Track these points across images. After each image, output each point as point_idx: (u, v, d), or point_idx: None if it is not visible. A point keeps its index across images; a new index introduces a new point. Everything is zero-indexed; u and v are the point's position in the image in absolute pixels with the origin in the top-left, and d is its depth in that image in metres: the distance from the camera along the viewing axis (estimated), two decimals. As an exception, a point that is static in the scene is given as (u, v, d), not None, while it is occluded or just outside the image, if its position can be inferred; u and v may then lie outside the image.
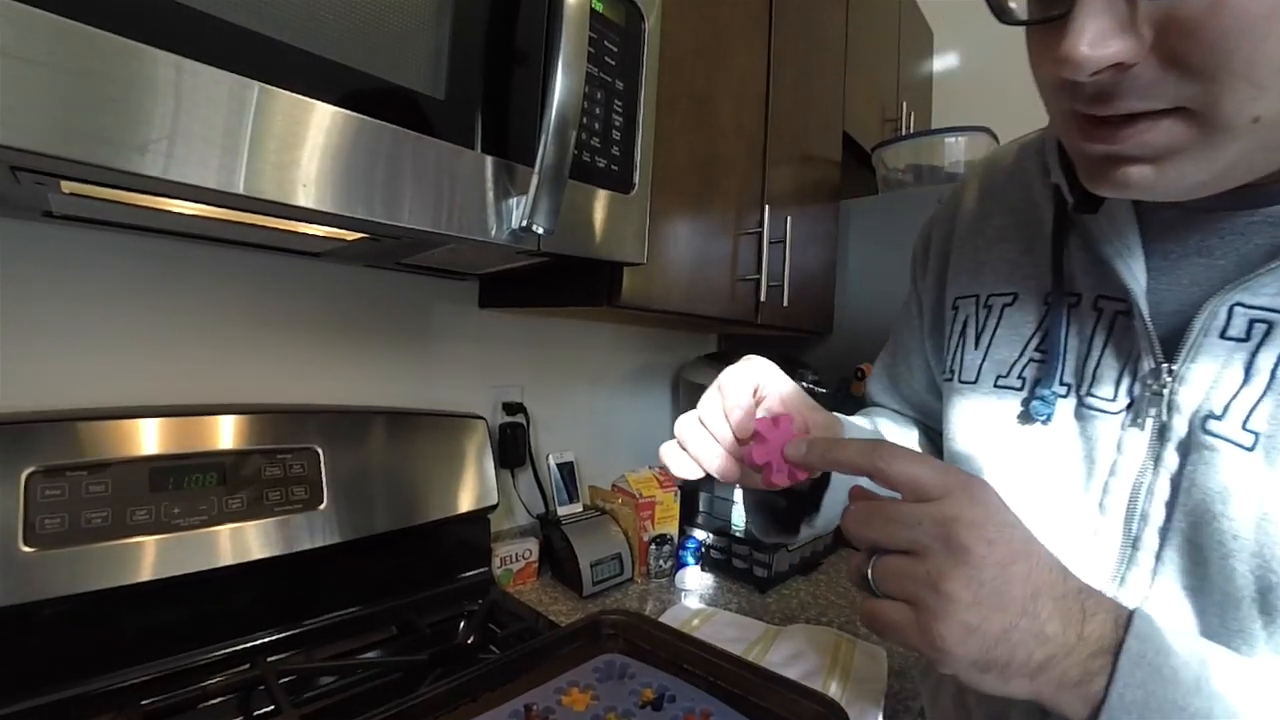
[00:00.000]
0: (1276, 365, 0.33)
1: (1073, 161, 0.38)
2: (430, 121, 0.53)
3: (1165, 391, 0.37)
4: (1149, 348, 0.38)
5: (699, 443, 0.43)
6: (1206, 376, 0.36)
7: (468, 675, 0.58)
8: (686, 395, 1.35)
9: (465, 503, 0.91)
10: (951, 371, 0.51)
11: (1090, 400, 0.41)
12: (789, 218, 1.09)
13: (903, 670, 0.82)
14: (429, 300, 0.99)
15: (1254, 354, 0.34)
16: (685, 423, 0.44)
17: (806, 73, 1.21)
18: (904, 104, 1.69)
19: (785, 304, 1.08)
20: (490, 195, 0.57)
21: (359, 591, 0.82)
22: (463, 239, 0.57)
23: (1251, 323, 0.34)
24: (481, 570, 0.96)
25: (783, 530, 0.52)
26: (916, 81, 1.85)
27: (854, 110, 1.41)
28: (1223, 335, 0.35)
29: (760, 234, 1.04)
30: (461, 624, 0.82)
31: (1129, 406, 0.39)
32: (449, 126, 0.55)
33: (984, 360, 0.48)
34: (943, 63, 2.01)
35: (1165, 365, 0.37)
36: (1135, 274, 0.39)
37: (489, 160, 0.57)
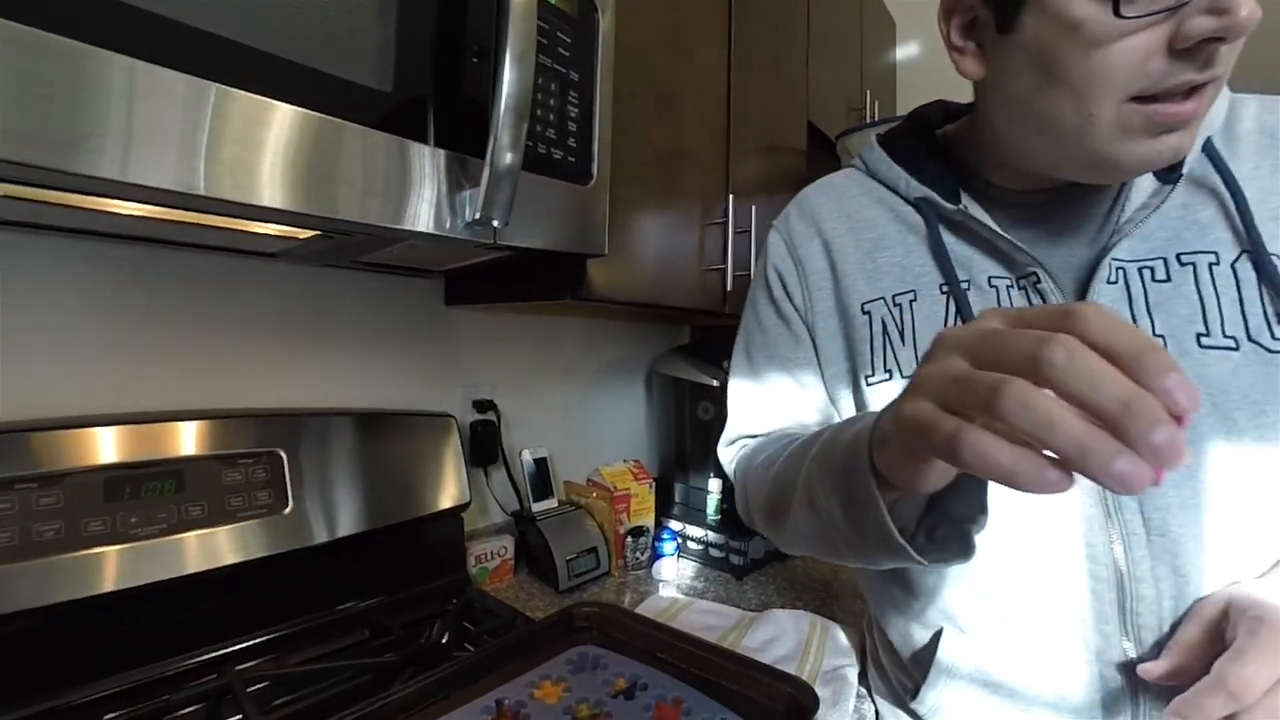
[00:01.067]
0: (1146, 296, 0.48)
1: (1080, 153, 0.45)
2: (380, 116, 0.53)
3: None
4: (1062, 301, 0.49)
5: (1087, 434, 0.24)
6: None
7: (439, 674, 0.58)
8: (659, 388, 1.35)
9: (437, 502, 0.91)
10: (889, 371, 0.55)
11: None
12: (754, 207, 1.09)
13: (876, 650, 0.83)
14: (393, 299, 0.98)
15: (1128, 291, 0.48)
16: (1039, 402, 0.25)
17: (770, 62, 1.21)
18: (868, 93, 1.71)
19: (753, 293, 1.08)
20: (444, 189, 0.57)
21: (328, 596, 0.81)
22: (416, 234, 0.56)
23: (1117, 270, 0.49)
24: (456, 569, 0.95)
25: (940, 550, 0.39)
26: (880, 71, 1.87)
27: (818, 99, 1.42)
28: (1108, 282, 0.48)
29: (725, 224, 1.04)
30: (435, 624, 0.81)
31: None
32: (400, 120, 0.54)
33: (916, 353, 0.54)
34: (905, 52, 2.04)
35: None
36: (1026, 251, 0.50)
37: (442, 154, 0.57)
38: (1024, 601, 0.50)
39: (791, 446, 0.54)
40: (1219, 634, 0.42)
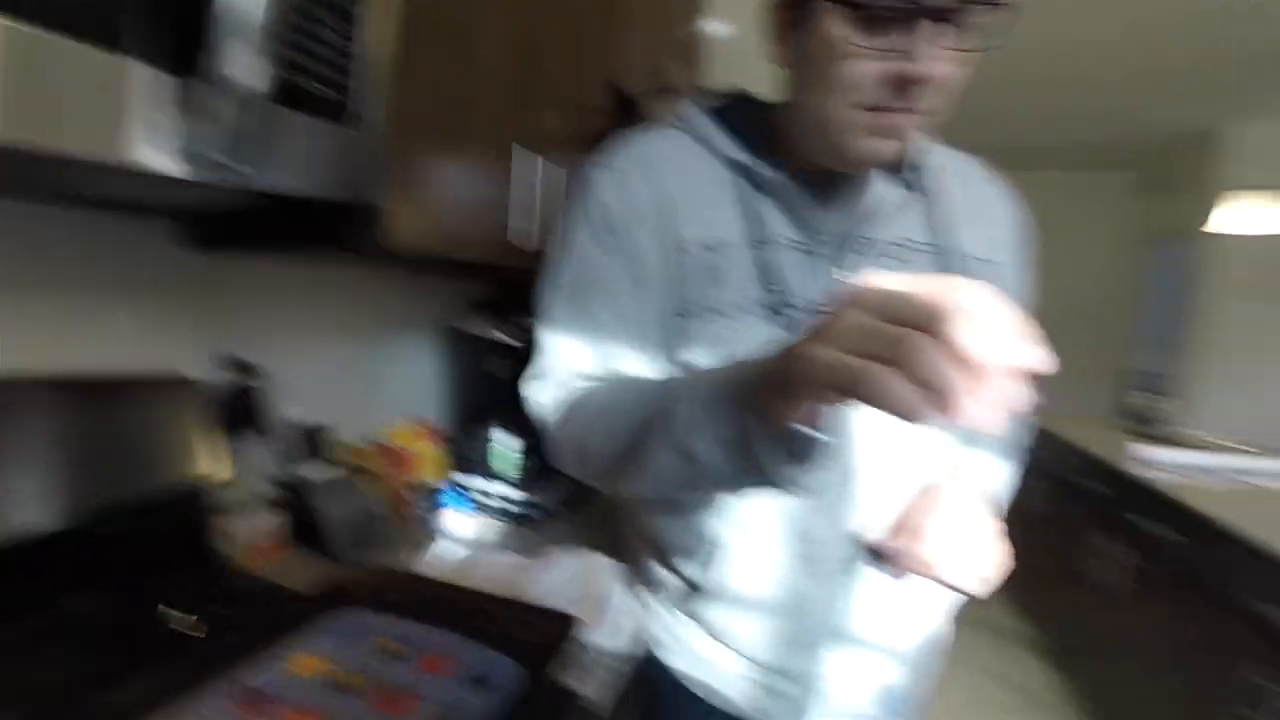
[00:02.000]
0: (875, 264, 0.62)
1: (824, 139, 0.58)
2: (90, 26, 0.43)
3: None
4: (826, 260, 0.62)
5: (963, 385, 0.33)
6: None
7: (181, 666, 0.53)
8: (453, 344, 1.31)
9: (181, 478, 0.80)
10: (711, 310, 0.61)
11: (811, 306, 0.60)
12: (547, 163, 1.08)
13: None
14: (133, 246, 0.82)
15: (863, 259, 0.62)
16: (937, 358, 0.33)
17: (573, 19, 1.19)
18: (674, 60, 1.76)
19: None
20: (167, 117, 0.48)
21: (46, 595, 0.68)
22: (129, 168, 0.48)
23: (861, 243, 0.63)
24: (208, 551, 0.85)
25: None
26: (688, 40, 1.93)
27: (623, 61, 1.43)
28: (853, 251, 0.62)
29: (522, 179, 1.02)
30: (180, 612, 0.72)
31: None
32: (114, 34, 0.45)
33: (735, 294, 0.61)
34: (714, 26, 2.13)
35: (843, 276, 0.61)
36: (823, 222, 0.63)
37: (167, 77, 0.48)
38: (773, 509, 0.64)
39: (643, 398, 0.58)
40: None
